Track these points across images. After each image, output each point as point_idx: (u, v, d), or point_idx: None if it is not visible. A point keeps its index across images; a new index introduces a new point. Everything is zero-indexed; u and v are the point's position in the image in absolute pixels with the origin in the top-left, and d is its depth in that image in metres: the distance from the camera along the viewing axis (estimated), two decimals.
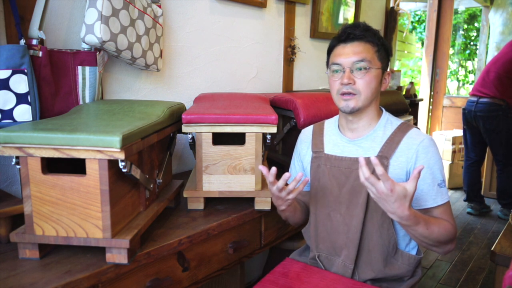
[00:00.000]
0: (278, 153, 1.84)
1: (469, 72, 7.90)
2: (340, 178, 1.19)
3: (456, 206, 3.66)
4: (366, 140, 1.18)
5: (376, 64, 1.14)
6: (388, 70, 1.21)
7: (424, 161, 1.11)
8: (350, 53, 1.13)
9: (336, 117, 1.30)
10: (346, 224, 1.18)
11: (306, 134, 1.34)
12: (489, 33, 4.83)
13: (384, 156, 1.13)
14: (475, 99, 3.15)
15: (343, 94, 1.14)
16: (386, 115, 1.21)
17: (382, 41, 1.17)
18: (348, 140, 1.21)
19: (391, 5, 3.58)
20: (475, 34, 7.63)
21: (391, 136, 1.15)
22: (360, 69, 1.12)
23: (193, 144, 1.30)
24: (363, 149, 1.17)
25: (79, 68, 1.27)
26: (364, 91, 1.13)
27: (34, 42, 1.18)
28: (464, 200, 3.56)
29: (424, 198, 1.11)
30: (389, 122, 1.19)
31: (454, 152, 4.12)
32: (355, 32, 1.14)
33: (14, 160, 0.93)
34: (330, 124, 1.30)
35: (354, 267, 1.18)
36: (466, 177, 3.44)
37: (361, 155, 1.15)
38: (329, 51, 1.21)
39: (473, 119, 3.17)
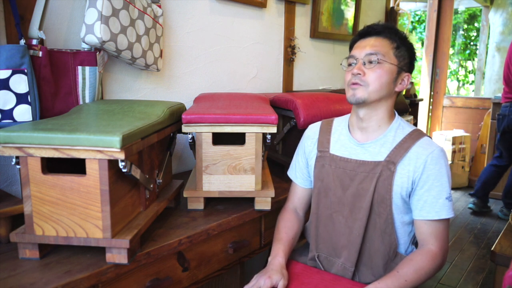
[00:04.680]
0: (278, 153, 1.84)
1: (469, 72, 7.91)
2: (345, 180, 1.17)
3: (456, 206, 3.66)
4: (375, 144, 1.16)
5: (391, 59, 1.13)
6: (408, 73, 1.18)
7: (432, 172, 1.09)
8: (365, 46, 1.14)
9: (346, 116, 1.28)
10: (348, 227, 1.17)
11: (313, 131, 1.31)
12: (489, 33, 4.84)
13: (391, 161, 1.11)
14: (508, 104, 3.15)
15: (352, 84, 1.13)
16: (398, 120, 1.19)
17: (404, 42, 1.16)
18: (357, 143, 1.18)
19: (391, 5, 3.58)
20: (475, 34, 7.64)
21: (401, 142, 1.13)
22: (371, 61, 1.12)
23: (193, 144, 1.30)
24: (371, 154, 1.15)
25: (79, 68, 1.27)
26: (373, 84, 1.11)
27: (34, 42, 1.18)
28: (470, 194, 3.53)
29: (426, 209, 1.09)
30: (401, 128, 1.17)
31: (454, 152, 4.12)
32: (374, 27, 1.16)
33: (14, 160, 0.93)
34: (339, 123, 1.27)
35: (354, 270, 1.17)
36: (485, 174, 3.39)
37: (368, 159, 1.15)
38: (350, 48, 1.23)
39: (508, 124, 3.14)
